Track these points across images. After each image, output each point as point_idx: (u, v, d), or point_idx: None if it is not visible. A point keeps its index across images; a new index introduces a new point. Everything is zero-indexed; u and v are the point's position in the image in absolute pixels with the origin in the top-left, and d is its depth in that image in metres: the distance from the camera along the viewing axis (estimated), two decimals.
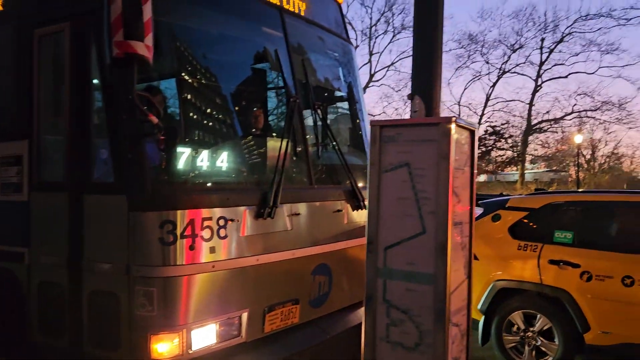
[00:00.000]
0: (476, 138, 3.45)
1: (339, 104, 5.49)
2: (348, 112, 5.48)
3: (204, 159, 3.59)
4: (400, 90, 37.26)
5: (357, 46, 35.17)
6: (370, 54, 36.64)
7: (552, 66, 36.96)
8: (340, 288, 4.39)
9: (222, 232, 3.37)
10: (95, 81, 3.44)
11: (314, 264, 4.08)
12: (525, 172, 39.95)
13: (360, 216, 4.59)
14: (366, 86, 35.32)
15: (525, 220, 5.74)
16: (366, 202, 4.54)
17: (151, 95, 3.43)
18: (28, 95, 3.72)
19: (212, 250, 3.31)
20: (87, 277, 3.38)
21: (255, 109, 4.37)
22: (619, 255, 5.06)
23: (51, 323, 3.62)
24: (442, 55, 3.43)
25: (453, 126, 3.04)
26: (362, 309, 3.42)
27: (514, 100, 39.06)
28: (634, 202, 5.49)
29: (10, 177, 3.80)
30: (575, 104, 36.73)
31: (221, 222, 3.37)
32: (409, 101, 3.34)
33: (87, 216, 3.40)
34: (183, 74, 3.63)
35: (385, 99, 42.24)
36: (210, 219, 3.32)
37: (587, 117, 37.07)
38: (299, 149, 4.18)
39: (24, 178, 3.72)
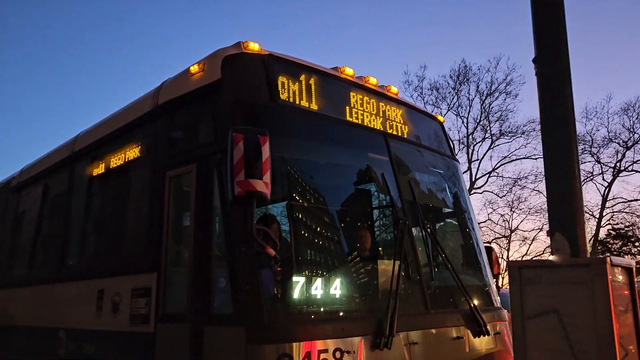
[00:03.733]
0: (634, 276, 3.06)
1: (448, 221, 5.35)
2: (459, 229, 5.31)
3: (317, 288, 3.58)
4: (504, 195, 35.94)
5: (456, 154, 35.10)
6: (470, 161, 36.27)
7: None
8: None
9: None
10: (217, 216, 3.67)
11: None
12: None
13: (482, 343, 4.21)
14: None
15: None
16: (488, 327, 4.21)
17: (267, 225, 3.58)
18: (158, 229, 4.05)
19: None
20: None
21: (365, 233, 4.37)
22: None
23: None
24: (582, 184, 3.04)
25: (608, 266, 2.68)
26: None
27: (637, 200, 35.60)
28: None
29: (139, 308, 4.04)
30: None
31: (337, 355, 3.25)
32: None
33: (207, 348, 3.45)
34: (296, 204, 3.78)
35: (489, 205, 40.57)
36: (326, 351, 3.22)
37: None
38: (412, 271, 4.04)
39: (151, 310, 3.92)
